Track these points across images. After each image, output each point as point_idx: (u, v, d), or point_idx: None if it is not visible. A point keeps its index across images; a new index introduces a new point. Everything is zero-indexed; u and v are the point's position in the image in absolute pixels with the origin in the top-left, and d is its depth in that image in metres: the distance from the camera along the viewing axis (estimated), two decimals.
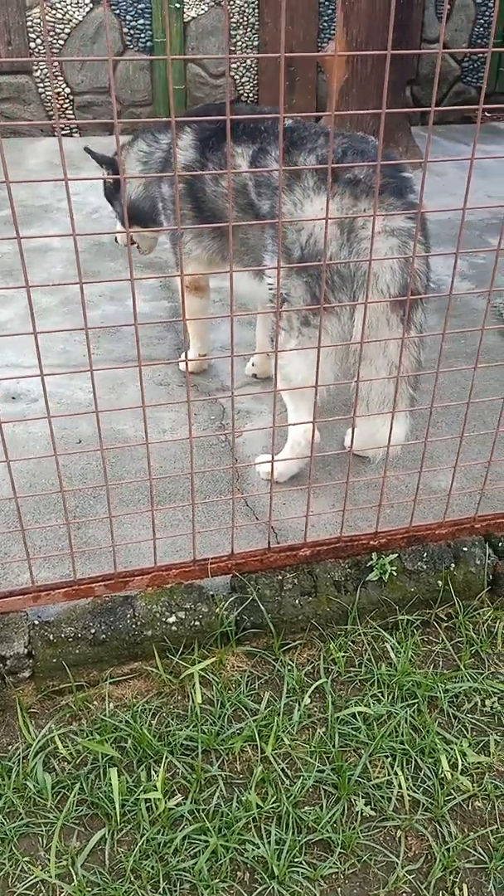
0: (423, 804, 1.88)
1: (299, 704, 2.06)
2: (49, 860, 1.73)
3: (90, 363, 1.77)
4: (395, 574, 2.27)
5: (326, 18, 6.38)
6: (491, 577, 2.37)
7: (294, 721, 2.02)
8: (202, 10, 6.12)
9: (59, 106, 6.16)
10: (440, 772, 1.93)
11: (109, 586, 2.12)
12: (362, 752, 1.96)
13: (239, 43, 6.32)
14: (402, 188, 2.26)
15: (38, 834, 1.80)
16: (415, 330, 2.32)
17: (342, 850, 1.78)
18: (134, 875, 1.72)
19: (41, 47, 5.95)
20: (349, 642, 2.24)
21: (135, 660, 2.13)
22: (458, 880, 1.75)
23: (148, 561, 2.18)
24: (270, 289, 2.46)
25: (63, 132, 6.22)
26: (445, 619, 2.34)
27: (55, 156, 5.63)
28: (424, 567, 2.31)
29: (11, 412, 2.93)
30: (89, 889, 1.69)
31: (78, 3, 5.91)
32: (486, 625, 2.33)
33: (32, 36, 5.89)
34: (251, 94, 6.54)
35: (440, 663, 2.23)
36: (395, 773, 1.92)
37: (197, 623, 2.14)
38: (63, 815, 1.81)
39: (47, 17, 5.88)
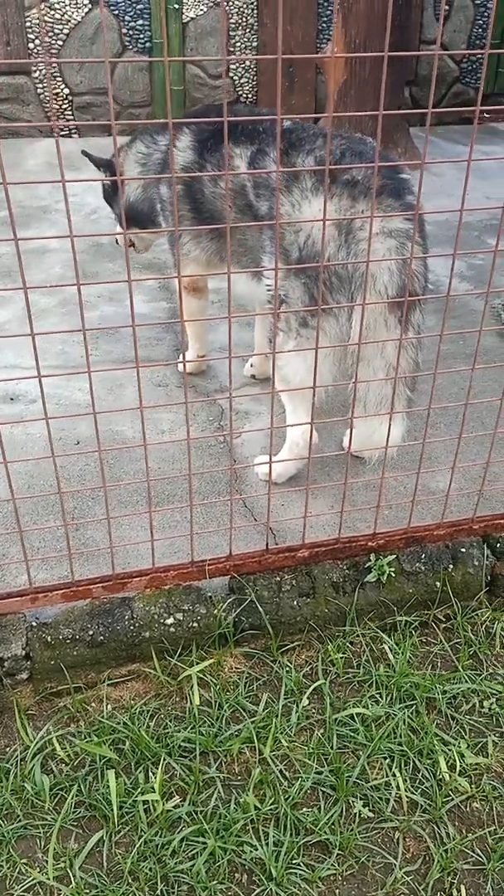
0: (422, 805, 1.88)
1: (297, 706, 2.06)
2: (47, 862, 1.73)
3: (88, 364, 1.77)
4: (393, 575, 2.27)
5: (325, 19, 6.38)
6: (489, 578, 2.37)
7: (292, 722, 2.02)
8: (201, 10, 6.12)
9: (57, 107, 6.16)
10: (438, 773, 1.93)
11: (107, 588, 2.11)
12: (360, 753, 1.96)
13: (238, 44, 6.32)
14: (401, 189, 2.26)
15: (35, 836, 1.80)
16: (412, 331, 2.32)
17: (340, 852, 1.78)
18: (132, 877, 1.72)
19: (40, 48, 5.95)
20: (347, 643, 2.24)
21: (133, 661, 2.13)
22: (455, 881, 1.75)
23: (146, 562, 2.18)
24: (269, 290, 2.46)
25: (62, 133, 6.22)
26: (444, 620, 2.34)
27: (54, 157, 5.58)
28: (423, 568, 2.31)
29: (9, 413, 2.92)
30: (87, 891, 1.69)
31: (76, 3, 5.91)
32: (484, 626, 2.33)
33: (31, 36, 5.88)
34: (250, 95, 6.55)
35: (438, 664, 2.23)
36: (394, 775, 1.92)
37: (195, 624, 2.14)
38: (61, 817, 1.81)
39: (46, 18, 5.88)
